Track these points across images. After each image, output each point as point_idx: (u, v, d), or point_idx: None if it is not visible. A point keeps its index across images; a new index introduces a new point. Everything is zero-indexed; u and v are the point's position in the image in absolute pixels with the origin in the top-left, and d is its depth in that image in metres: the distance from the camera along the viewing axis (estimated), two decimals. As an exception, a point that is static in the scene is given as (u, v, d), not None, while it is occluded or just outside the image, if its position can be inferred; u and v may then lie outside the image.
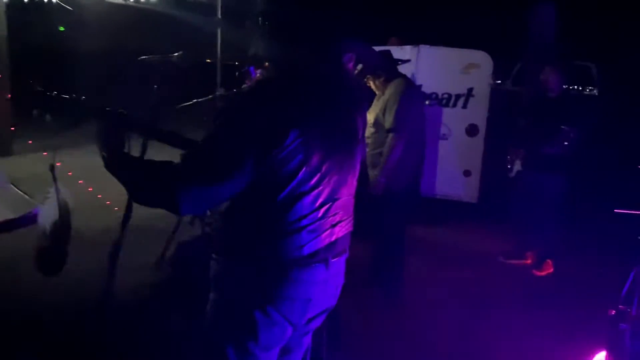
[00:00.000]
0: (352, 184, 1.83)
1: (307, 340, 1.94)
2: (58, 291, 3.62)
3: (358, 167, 1.86)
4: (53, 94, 1.71)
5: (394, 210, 4.00)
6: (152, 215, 3.54)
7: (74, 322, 3.37)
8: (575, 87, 11.11)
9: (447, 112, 6.50)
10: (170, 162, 1.55)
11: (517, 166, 4.88)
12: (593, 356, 2.98)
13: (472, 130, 6.44)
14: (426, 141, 4.20)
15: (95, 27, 10.47)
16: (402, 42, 6.49)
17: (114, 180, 1.62)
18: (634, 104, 7.79)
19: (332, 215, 1.73)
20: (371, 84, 3.96)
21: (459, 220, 6.20)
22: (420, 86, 6.43)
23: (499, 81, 6.58)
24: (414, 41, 6.47)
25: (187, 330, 3.15)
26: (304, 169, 1.60)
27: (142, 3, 8.20)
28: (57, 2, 8.31)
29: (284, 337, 1.73)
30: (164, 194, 1.52)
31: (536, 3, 6.22)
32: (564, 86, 4.91)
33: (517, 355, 3.39)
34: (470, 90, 6.38)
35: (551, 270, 4.85)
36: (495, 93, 6.54)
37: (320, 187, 1.66)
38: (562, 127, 4.38)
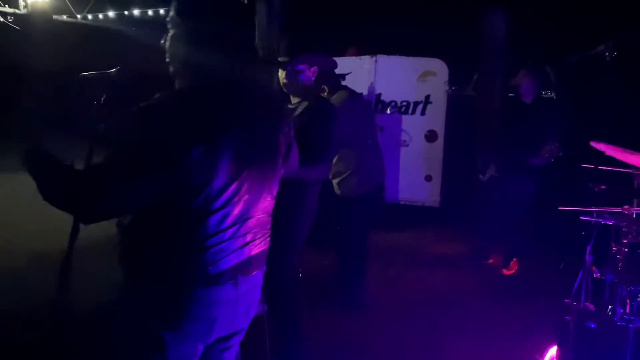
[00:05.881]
0: (267, 202, 1.77)
1: (230, 356, 1.87)
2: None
3: (276, 185, 1.82)
4: None
5: (356, 216, 4.07)
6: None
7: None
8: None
9: (406, 119, 6.62)
10: (81, 170, 1.53)
11: (492, 171, 4.86)
12: (547, 350, 3.09)
13: (431, 136, 6.57)
14: (380, 147, 4.29)
15: (44, 45, 10.29)
16: (360, 52, 6.61)
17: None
18: (587, 104, 8.03)
19: (242, 236, 1.67)
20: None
21: (422, 224, 6.31)
22: (379, 95, 6.58)
23: (454, 87, 6.70)
24: (372, 51, 6.59)
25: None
26: (208, 188, 1.54)
27: (91, 20, 8.14)
28: (3, 21, 8.21)
29: (196, 353, 1.69)
30: (69, 200, 1.51)
31: (487, 9, 6.38)
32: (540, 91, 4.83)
33: (480, 353, 3.45)
34: (427, 97, 6.52)
35: (516, 268, 4.93)
36: (454, 99, 6.68)
37: (228, 208, 1.60)
38: (550, 143, 4.31)
